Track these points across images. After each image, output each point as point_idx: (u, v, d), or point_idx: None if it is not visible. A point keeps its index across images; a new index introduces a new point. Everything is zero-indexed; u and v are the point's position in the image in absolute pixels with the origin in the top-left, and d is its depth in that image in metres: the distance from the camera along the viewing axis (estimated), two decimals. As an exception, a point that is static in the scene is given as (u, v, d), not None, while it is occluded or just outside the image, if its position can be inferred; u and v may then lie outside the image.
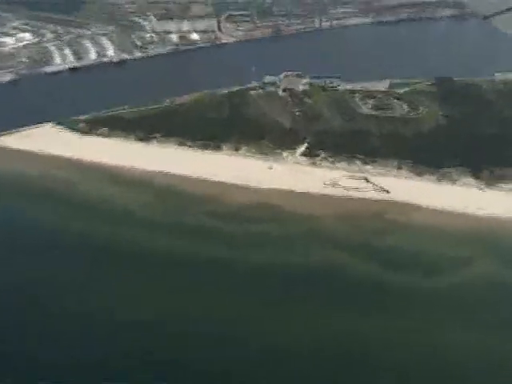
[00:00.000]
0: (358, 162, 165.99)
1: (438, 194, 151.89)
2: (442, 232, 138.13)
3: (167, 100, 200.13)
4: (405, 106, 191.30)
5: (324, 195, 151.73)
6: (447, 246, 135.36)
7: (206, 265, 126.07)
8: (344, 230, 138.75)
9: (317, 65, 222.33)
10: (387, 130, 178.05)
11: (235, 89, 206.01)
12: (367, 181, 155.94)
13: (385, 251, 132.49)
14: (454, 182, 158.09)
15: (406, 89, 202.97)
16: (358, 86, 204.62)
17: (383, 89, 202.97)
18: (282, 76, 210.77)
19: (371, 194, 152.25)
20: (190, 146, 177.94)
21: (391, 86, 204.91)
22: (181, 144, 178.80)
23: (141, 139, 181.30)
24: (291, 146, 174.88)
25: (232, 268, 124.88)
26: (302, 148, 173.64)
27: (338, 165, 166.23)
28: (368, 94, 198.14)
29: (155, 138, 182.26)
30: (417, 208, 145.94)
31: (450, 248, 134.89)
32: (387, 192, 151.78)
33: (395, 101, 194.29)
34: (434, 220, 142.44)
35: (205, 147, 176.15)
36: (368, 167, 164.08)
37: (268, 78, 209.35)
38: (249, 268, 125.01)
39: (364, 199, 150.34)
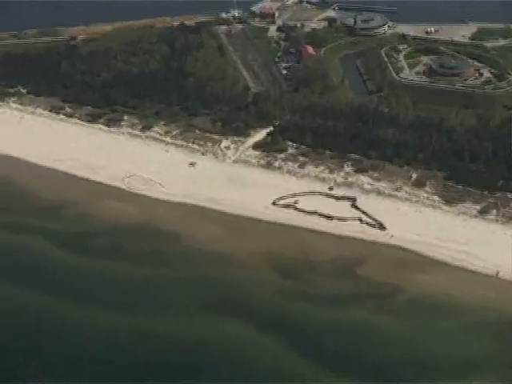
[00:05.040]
0: (347, 168, 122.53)
1: (481, 241, 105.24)
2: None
3: (66, 31, 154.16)
4: (485, 71, 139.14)
5: (268, 223, 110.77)
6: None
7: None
8: (280, 306, 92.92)
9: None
10: (428, 115, 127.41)
11: (195, 20, 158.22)
12: (354, 204, 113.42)
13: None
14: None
15: (502, 41, 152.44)
16: (416, 30, 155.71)
17: (462, 38, 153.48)
18: (288, 1, 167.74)
19: (354, 229, 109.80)
20: (67, 115, 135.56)
21: (478, 33, 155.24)
22: (54, 109, 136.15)
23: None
24: (244, 130, 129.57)
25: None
26: (260, 135, 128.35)
27: (311, 169, 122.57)
28: (426, 47, 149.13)
29: (14, 93, 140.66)
30: (437, 265, 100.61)
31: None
32: (381, 227, 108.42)
33: (470, 60, 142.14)
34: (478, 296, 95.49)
35: (93, 119, 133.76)
36: (363, 178, 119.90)
37: (259, 5, 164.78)
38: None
39: (339, 237, 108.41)
